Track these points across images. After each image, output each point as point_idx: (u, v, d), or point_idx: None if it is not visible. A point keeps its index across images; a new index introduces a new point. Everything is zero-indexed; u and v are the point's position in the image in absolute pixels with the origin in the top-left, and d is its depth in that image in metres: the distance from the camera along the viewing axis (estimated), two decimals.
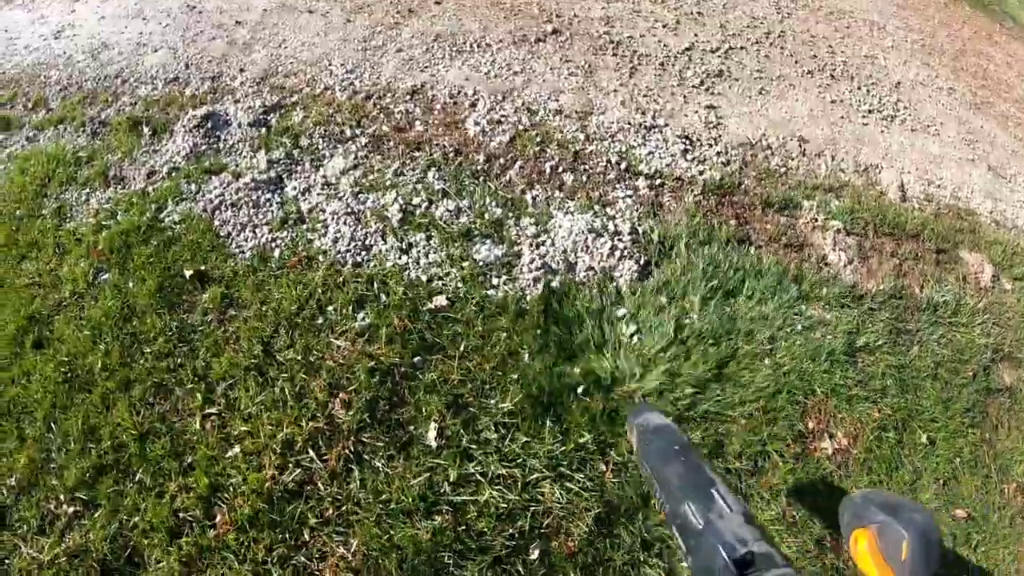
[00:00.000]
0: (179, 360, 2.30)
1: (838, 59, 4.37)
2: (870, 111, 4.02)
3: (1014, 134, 4.63)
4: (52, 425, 2.15)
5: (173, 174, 2.94)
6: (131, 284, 2.51)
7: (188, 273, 2.52)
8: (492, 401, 2.25)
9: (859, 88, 4.18)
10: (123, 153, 3.08)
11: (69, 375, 2.27)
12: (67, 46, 3.91)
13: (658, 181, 3.03)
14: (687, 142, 3.28)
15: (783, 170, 3.35)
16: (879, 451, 2.55)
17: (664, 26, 4.06)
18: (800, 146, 3.52)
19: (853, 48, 4.59)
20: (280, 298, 2.45)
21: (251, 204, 2.80)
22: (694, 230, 2.87)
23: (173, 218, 2.74)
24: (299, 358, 2.29)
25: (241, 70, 3.48)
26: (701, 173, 3.13)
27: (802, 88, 3.96)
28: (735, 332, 2.60)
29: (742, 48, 4.09)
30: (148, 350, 2.32)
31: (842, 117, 3.87)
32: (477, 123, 3.12)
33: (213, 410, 2.18)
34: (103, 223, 2.76)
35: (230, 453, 2.10)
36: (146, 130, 3.17)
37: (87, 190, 2.93)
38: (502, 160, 2.98)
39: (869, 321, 2.92)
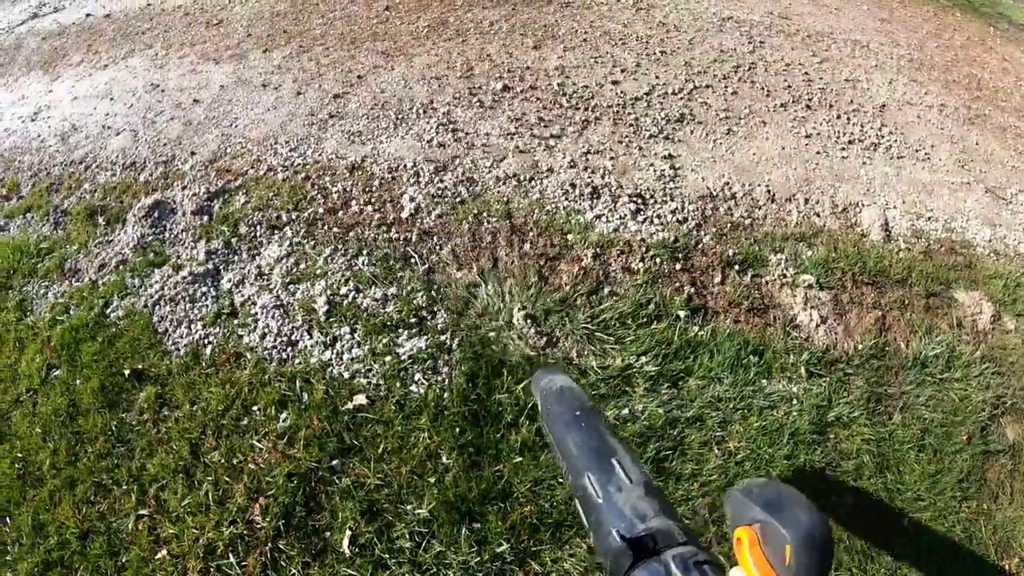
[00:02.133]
0: (116, 460, 2.34)
1: (815, 87, 4.12)
2: (850, 142, 3.76)
3: (1013, 147, 4.28)
4: (7, 519, 2.23)
5: (120, 267, 2.96)
6: (78, 382, 2.57)
7: (127, 372, 2.54)
8: (408, 507, 2.13)
9: (838, 117, 3.92)
10: (80, 244, 3.13)
11: (22, 471, 2.36)
12: (41, 129, 4.01)
13: (604, 249, 2.84)
14: (639, 201, 3.08)
15: (748, 222, 3.12)
16: (850, 542, 2.29)
17: (623, 70, 3.88)
18: (768, 192, 3.29)
19: (833, 73, 4.33)
20: (209, 398, 2.43)
21: (187, 299, 2.78)
22: (642, 303, 2.67)
23: (118, 314, 2.77)
24: (223, 461, 2.27)
25: (192, 153, 3.46)
26: (653, 235, 2.93)
27: (774, 124, 3.73)
28: (681, 420, 2.38)
29: (708, 86, 3.88)
30: (90, 449, 2.37)
31: (818, 152, 3.62)
32: (413, 199, 2.99)
33: (145, 511, 2.20)
34: (57, 318, 2.82)
35: (159, 555, 2.11)
36: (101, 220, 3.21)
37: (46, 283, 3.00)
38: (436, 238, 2.84)
39: (843, 390, 2.66)
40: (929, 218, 3.48)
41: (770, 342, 2.71)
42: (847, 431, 2.54)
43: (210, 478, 2.23)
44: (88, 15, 5.26)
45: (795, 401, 2.57)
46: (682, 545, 0.84)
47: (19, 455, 2.41)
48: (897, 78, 4.51)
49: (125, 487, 2.26)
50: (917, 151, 3.87)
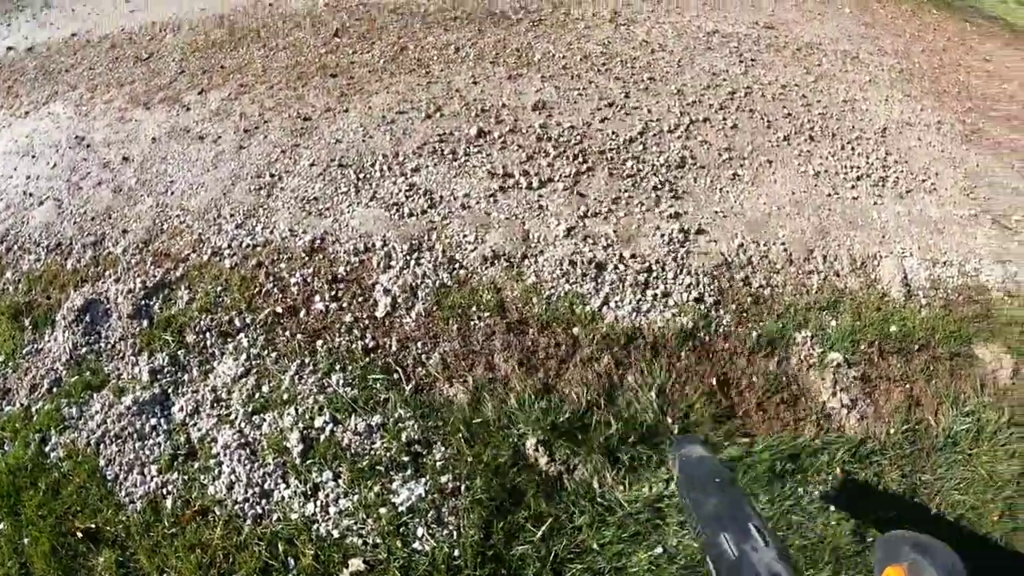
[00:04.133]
0: None
1: (815, 112, 3.79)
2: (859, 177, 3.47)
3: (1011, 163, 4.07)
4: None
5: (55, 390, 2.49)
6: (26, 541, 2.15)
7: (79, 532, 2.12)
8: None
9: (843, 148, 3.62)
10: (7, 354, 2.62)
11: None
12: None
13: (616, 345, 2.48)
14: (648, 275, 2.72)
15: (768, 292, 2.79)
16: None
17: (610, 104, 3.47)
18: (786, 251, 2.96)
19: (829, 93, 4.01)
20: (179, 567, 2.01)
21: (136, 435, 2.32)
22: (666, 411, 2.32)
23: (58, 453, 2.33)
24: None
25: (124, 231, 2.93)
26: (669, 321, 2.58)
27: (780, 162, 3.39)
28: None
29: (705, 120, 3.51)
30: None
31: (829, 195, 3.31)
32: (387, 290, 2.55)
33: None
34: None
35: None
36: (27, 322, 2.71)
37: None
38: (420, 344, 2.42)
39: (880, 484, 2.42)
40: (944, 263, 3.24)
41: (804, 443, 2.42)
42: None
43: None
44: (9, 48, 4.53)
45: (833, 509, 2.31)
46: None
47: None
48: (891, 94, 4.24)
49: None
50: (923, 181, 3.62)
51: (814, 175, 3.38)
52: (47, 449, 2.33)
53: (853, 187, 3.41)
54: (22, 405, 2.46)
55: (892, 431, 2.58)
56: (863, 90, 4.17)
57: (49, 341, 2.61)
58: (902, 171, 3.63)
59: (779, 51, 4.29)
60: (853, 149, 3.64)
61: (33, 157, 3.49)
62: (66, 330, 2.61)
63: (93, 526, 2.13)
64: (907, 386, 2.73)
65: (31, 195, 3.24)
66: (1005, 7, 6.40)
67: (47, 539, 2.10)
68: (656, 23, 4.28)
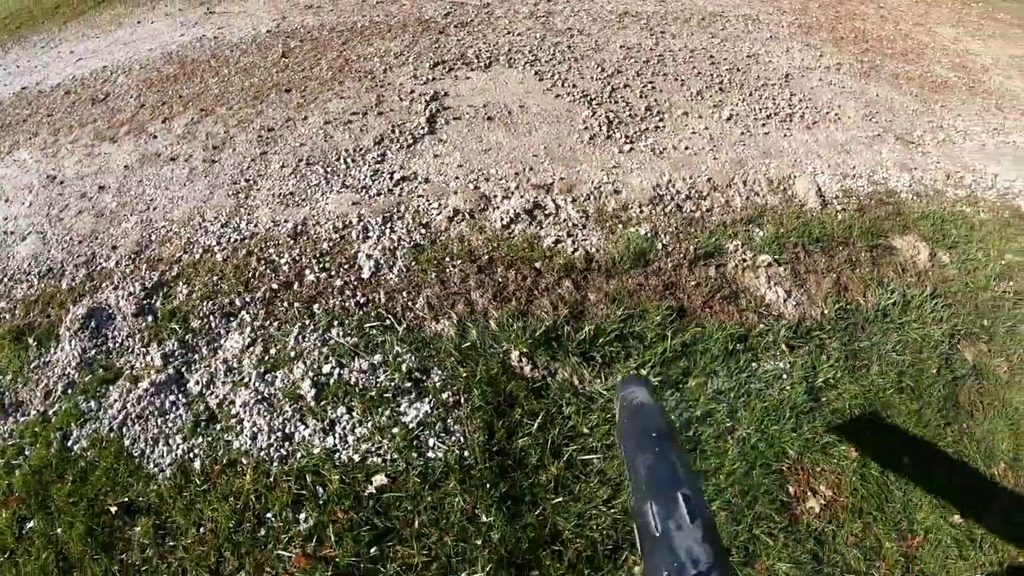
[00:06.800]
0: None
1: (722, 68, 4.27)
2: (768, 117, 3.93)
3: (908, 91, 4.63)
4: None
5: (70, 391, 2.64)
6: (59, 530, 2.25)
7: (113, 508, 2.26)
8: (463, 575, 2.04)
9: (751, 95, 4.09)
10: (13, 372, 2.74)
11: None
12: None
13: (574, 271, 2.83)
14: (596, 215, 3.09)
15: (698, 215, 3.19)
16: (866, 490, 2.44)
17: (540, 80, 3.88)
18: (710, 181, 3.38)
19: (734, 51, 4.51)
20: (215, 516, 2.21)
21: (157, 413, 2.50)
22: (624, 318, 2.67)
23: (82, 444, 2.47)
24: None
25: (114, 247, 3.14)
26: (615, 246, 2.94)
27: (695, 113, 3.83)
28: (693, 420, 2.42)
29: (626, 86, 3.94)
30: None
31: (743, 133, 3.75)
32: (370, 256, 2.87)
33: None
34: (13, 462, 2.47)
35: None
36: (31, 340, 2.83)
37: None
38: (405, 293, 2.73)
39: (823, 354, 2.81)
40: (854, 175, 3.69)
41: (750, 326, 2.79)
42: (835, 392, 2.70)
43: None
44: None
45: (785, 376, 2.68)
46: None
47: None
48: (792, 45, 4.76)
49: None
50: (827, 113, 4.10)
51: (727, 119, 3.84)
52: (70, 444, 2.47)
53: (764, 125, 3.86)
54: (38, 411, 2.59)
55: (826, 311, 2.97)
56: (765, 45, 4.68)
57: (56, 352, 2.76)
58: (807, 107, 4.11)
59: (685, 23, 4.79)
60: (760, 94, 4.11)
61: (6, 201, 3.61)
62: (72, 339, 2.77)
63: (126, 499, 2.28)
64: (834, 276, 3.13)
65: (11, 233, 3.37)
66: None
67: (81, 522, 2.23)
68: (573, 13, 4.75)
